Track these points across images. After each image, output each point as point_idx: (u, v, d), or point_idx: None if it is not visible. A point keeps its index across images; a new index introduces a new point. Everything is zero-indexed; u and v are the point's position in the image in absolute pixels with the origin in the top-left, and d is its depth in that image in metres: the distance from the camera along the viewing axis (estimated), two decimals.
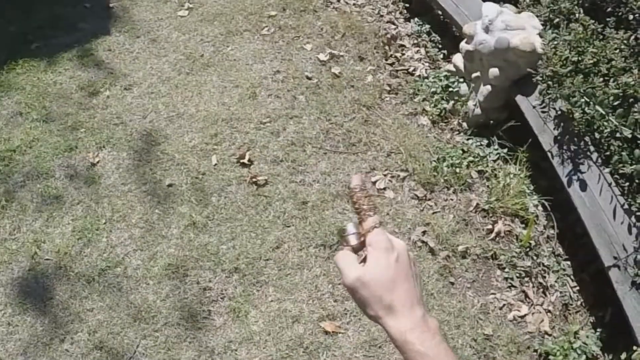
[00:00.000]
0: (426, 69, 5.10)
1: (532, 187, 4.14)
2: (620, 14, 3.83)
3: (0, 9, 5.65)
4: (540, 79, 3.83)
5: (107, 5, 5.75)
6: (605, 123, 3.40)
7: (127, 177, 4.25)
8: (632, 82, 3.35)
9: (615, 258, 3.26)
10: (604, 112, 3.39)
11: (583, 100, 3.49)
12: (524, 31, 4.03)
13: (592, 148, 3.57)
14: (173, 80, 4.96)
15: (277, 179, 4.24)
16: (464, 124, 4.60)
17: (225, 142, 4.46)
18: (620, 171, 3.34)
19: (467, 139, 4.50)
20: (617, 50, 3.56)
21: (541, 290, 3.76)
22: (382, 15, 5.68)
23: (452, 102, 4.70)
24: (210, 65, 5.08)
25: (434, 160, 4.34)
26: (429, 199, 4.16)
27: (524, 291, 3.75)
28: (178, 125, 4.59)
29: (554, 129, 3.78)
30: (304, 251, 3.86)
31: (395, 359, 3.42)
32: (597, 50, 3.60)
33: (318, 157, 4.39)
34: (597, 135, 3.52)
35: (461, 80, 4.70)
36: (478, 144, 4.44)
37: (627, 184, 3.37)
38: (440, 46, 5.28)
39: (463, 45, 4.48)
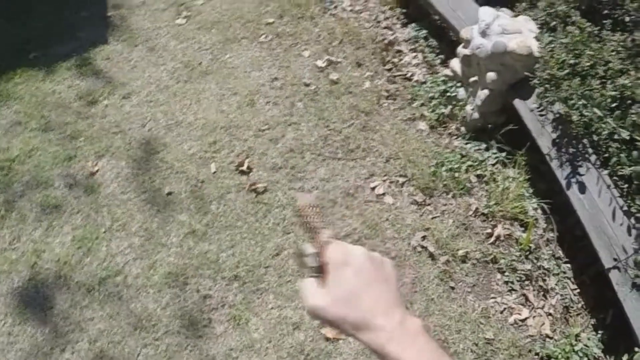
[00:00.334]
0: (424, 74, 5.10)
1: (531, 191, 4.13)
2: (616, 16, 3.83)
3: None
4: (538, 82, 3.84)
5: (104, 14, 5.76)
6: (603, 125, 3.40)
7: (127, 185, 4.25)
8: (629, 84, 3.35)
9: (615, 260, 3.25)
10: (601, 114, 3.39)
11: (580, 102, 3.49)
12: (521, 35, 4.03)
13: (590, 150, 3.57)
14: (171, 88, 4.97)
15: (276, 186, 4.25)
16: (462, 129, 4.60)
17: (224, 150, 4.46)
18: (619, 173, 3.34)
19: (466, 144, 4.50)
20: (614, 52, 3.56)
21: (542, 293, 3.75)
22: (379, 22, 5.68)
23: (450, 106, 4.70)
24: (209, 73, 5.09)
25: (433, 165, 4.34)
26: (428, 204, 4.16)
27: (524, 294, 3.74)
28: (177, 133, 4.59)
29: (552, 131, 3.78)
30: None
31: None
32: (594, 53, 3.60)
33: (317, 163, 4.39)
34: (595, 137, 3.51)
35: (459, 84, 4.71)
36: (476, 148, 4.44)
37: (626, 185, 3.36)
38: (437, 51, 5.28)
39: (460, 49, 4.49)
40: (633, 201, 3.29)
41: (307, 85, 4.96)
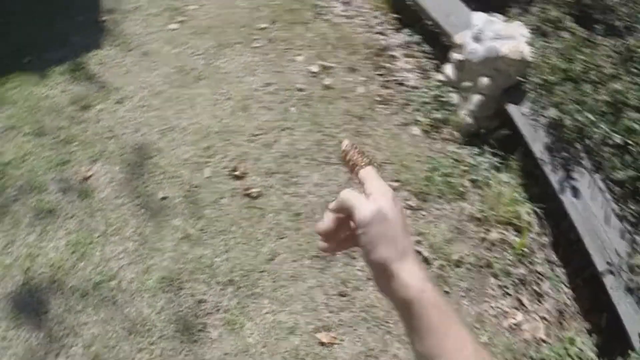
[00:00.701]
0: (417, 79, 5.11)
1: (524, 195, 4.15)
2: (608, 21, 3.86)
3: None
4: (531, 87, 3.86)
5: (98, 19, 5.75)
6: (596, 130, 3.43)
7: (120, 190, 4.24)
8: (622, 89, 3.37)
9: (608, 263, 3.27)
10: (594, 119, 3.42)
11: (573, 107, 3.52)
12: (514, 40, 4.06)
13: (583, 155, 3.59)
14: (165, 93, 4.96)
15: (270, 190, 4.25)
16: (456, 133, 4.61)
17: (218, 155, 4.46)
18: (612, 177, 3.36)
19: (459, 148, 4.51)
20: (606, 57, 3.59)
21: (536, 297, 3.76)
22: (372, 27, 5.70)
23: (443, 111, 4.71)
24: (202, 78, 5.09)
25: (427, 170, 4.35)
26: (422, 209, 4.17)
27: (518, 299, 3.75)
28: (170, 138, 4.59)
29: (545, 136, 3.80)
30: (298, 263, 3.86)
31: None
32: (586, 58, 3.62)
33: (311, 168, 4.39)
34: (588, 141, 3.54)
35: (452, 89, 4.72)
36: (470, 153, 4.45)
37: (619, 189, 3.38)
38: (430, 56, 5.29)
39: (453, 54, 4.51)
40: (626, 205, 3.30)
41: (300, 90, 4.97)
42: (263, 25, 5.62)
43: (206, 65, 5.23)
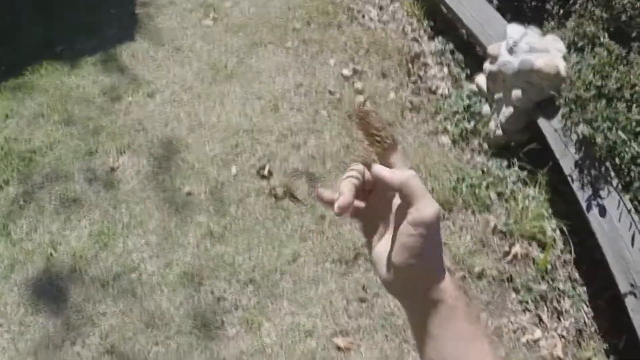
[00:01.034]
0: (449, 88, 5.08)
1: (550, 211, 4.11)
2: None
3: (25, 12, 5.69)
4: (563, 102, 3.82)
5: (132, 11, 5.77)
6: (627, 149, 3.39)
7: (146, 183, 4.26)
8: None
9: (632, 285, 3.23)
10: (626, 138, 3.38)
11: (605, 125, 3.48)
12: (548, 54, 4.02)
13: (612, 174, 3.55)
14: (196, 89, 4.98)
15: (296, 192, 4.24)
16: (485, 145, 4.58)
17: (246, 153, 4.46)
18: None
19: (488, 160, 4.48)
20: None
21: (556, 315, 3.73)
22: (406, 33, 5.67)
23: (473, 122, 4.68)
24: (234, 76, 5.09)
25: (454, 180, 4.33)
26: (447, 219, 4.15)
27: (538, 315, 3.72)
28: (199, 134, 4.60)
29: (575, 153, 3.76)
30: (319, 266, 3.86)
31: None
32: (621, 76, 3.59)
33: (338, 172, 4.38)
34: (618, 160, 3.49)
35: (483, 100, 4.69)
36: (498, 165, 4.42)
37: None
38: (463, 65, 5.26)
39: (487, 65, 4.47)
40: None
41: (331, 93, 4.96)
42: (297, 26, 5.61)
43: (238, 63, 5.23)
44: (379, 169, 0.92)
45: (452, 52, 5.38)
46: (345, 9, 5.80)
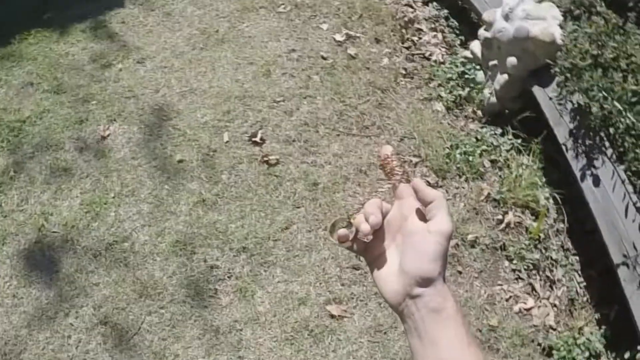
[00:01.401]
0: (443, 55, 5.05)
1: (544, 180, 4.10)
2: None
3: None
4: (559, 70, 3.79)
5: None
6: (622, 119, 3.37)
7: (138, 151, 4.23)
8: None
9: (624, 256, 3.23)
10: (621, 108, 3.36)
11: (601, 94, 3.45)
12: (544, 21, 3.98)
13: (607, 144, 3.53)
14: (187, 55, 4.93)
15: (289, 159, 4.22)
16: (479, 112, 4.56)
17: (238, 120, 4.43)
18: (634, 169, 3.30)
19: (481, 128, 4.47)
20: (638, 47, 3.52)
21: (548, 284, 3.75)
22: None
23: (467, 89, 4.66)
24: (225, 42, 5.04)
25: (447, 147, 4.31)
26: (441, 186, 4.14)
27: (531, 284, 3.74)
28: (190, 100, 4.56)
29: (570, 122, 3.75)
30: (313, 233, 3.85)
31: (400, 345, 3.42)
32: (617, 45, 3.55)
33: (331, 138, 4.36)
34: (612, 131, 3.47)
35: (478, 67, 4.66)
36: (492, 133, 4.40)
37: None
38: (457, 32, 5.23)
39: (481, 32, 4.43)
40: None
41: (324, 58, 4.91)
42: None
43: (230, 28, 5.18)
44: (418, 182, 1.04)
45: (446, 18, 5.34)
46: None
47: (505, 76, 4.20)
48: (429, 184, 4.00)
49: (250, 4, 5.39)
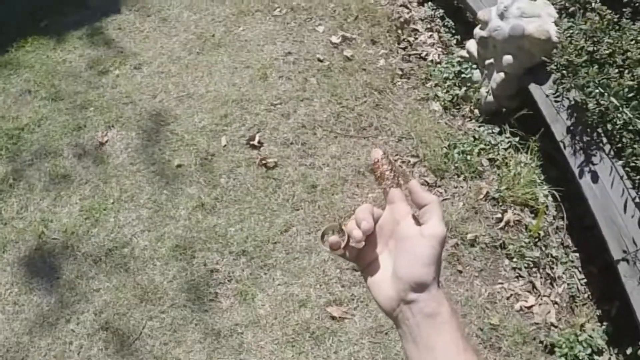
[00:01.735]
0: (439, 54, 5.05)
1: (542, 177, 4.11)
2: (637, 4, 3.78)
3: None
4: (555, 67, 3.79)
5: None
6: (619, 115, 3.37)
7: (136, 157, 4.24)
8: None
9: (624, 252, 3.23)
10: (618, 104, 3.36)
11: (597, 90, 3.46)
12: (540, 19, 3.99)
13: (604, 140, 3.53)
14: (183, 60, 4.93)
15: (287, 161, 4.23)
16: (476, 111, 4.56)
17: (235, 123, 4.44)
18: (632, 164, 3.31)
19: (479, 126, 4.47)
20: (633, 42, 3.52)
21: (549, 281, 3.74)
22: None
23: (464, 88, 4.66)
24: (221, 46, 5.05)
25: (445, 147, 4.31)
26: (439, 186, 4.14)
27: (531, 282, 3.73)
28: (188, 105, 4.57)
29: (567, 119, 3.75)
30: (312, 235, 3.85)
31: (402, 346, 3.41)
32: (613, 41, 3.56)
33: (328, 140, 4.36)
34: (610, 126, 3.48)
35: (474, 66, 4.66)
36: (490, 131, 4.40)
37: (639, 177, 3.34)
38: (453, 31, 5.23)
39: (477, 31, 4.44)
40: None
41: (320, 61, 4.92)
42: None
43: (226, 32, 5.19)
44: (414, 184, 1.03)
45: (442, 18, 5.35)
46: None
47: (502, 74, 4.20)
48: (427, 184, 4.03)
49: (245, 8, 5.40)
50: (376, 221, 1.05)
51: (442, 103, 4.66)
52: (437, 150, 4.29)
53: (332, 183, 4.11)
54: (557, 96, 3.82)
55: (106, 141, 4.33)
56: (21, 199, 4.01)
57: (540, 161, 4.10)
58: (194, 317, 3.50)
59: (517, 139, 4.25)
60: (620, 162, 3.40)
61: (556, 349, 3.41)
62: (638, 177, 3.33)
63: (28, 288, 3.60)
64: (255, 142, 4.31)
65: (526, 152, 4.14)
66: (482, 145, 4.31)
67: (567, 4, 4.03)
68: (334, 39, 5.10)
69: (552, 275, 3.75)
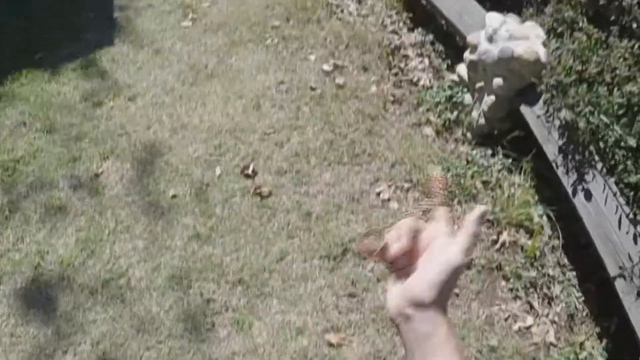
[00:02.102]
0: (430, 79, 5.08)
1: (536, 197, 4.11)
2: (624, 22, 3.82)
3: (3, 19, 5.65)
4: (545, 88, 3.83)
5: (111, 15, 5.75)
6: (610, 132, 3.40)
7: (131, 188, 4.24)
8: (637, 91, 3.34)
9: (620, 268, 3.24)
10: (608, 122, 3.39)
11: (587, 109, 3.49)
12: (528, 40, 4.02)
13: (596, 157, 3.55)
14: (177, 91, 4.96)
15: (281, 190, 4.23)
16: (468, 134, 4.58)
17: (229, 153, 4.45)
18: (625, 180, 3.33)
19: (472, 149, 4.49)
20: (622, 59, 3.56)
21: (546, 301, 3.74)
22: (385, 26, 5.66)
23: (456, 112, 4.68)
24: (214, 76, 5.08)
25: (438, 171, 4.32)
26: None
27: (529, 302, 3.73)
28: (182, 136, 4.58)
29: (559, 138, 3.77)
30: (308, 263, 3.85)
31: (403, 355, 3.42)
32: (601, 59, 3.59)
33: (322, 168, 4.38)
34: (601, 144, 3.50)
35: (465, 90, 4.69)
36: (482, 154, 4.42)
37: (632, 193, 3.36)
38: (444, 56, 5.26)
39: (467, 55, 4.47)
40: (639, 209, 3.27)
41: (313, 89, 4.95)
42: (276, 23, 5.60)
43: (219, 63, 5.22)
44: (474, 214, 1.03)
45: (432, 43, 5.38)
46: (324, 4, 5.80)
47: (493, 97, 4.23)
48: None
49: (238, 38, 5.44)
50: (416, 234, 1.03)
51: (435, 127, 4.67)
52: (431, 174, 4.29)
53: (327, 210, 4.11)
54: (548, 116, 3.84)
55: (101, 172, 4.33)
56: (17, 230, 4.00)
57: (534, 182, 4.11)
58: (191, 347, 3.48)
59: (510, 160, 4.26)
60: (613, 179, 3.42)
61: None
62: (632, 193, 3.35)
63: (25, 320, 3.59)
64: (250, 172, 4.32)
65: (519, 173, 4.15)
66: (475, 168, 4.32)
67: (555, 25, 4.07)
68: (326, 67, 5.14)
69: (549, 294, 3.74)
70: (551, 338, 3.57)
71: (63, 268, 3.81)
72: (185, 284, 3.74)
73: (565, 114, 3.70)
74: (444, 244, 0.99)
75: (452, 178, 4.25)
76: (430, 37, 5.42)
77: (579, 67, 3.65)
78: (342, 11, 5.82)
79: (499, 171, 4.28)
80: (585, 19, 3.93)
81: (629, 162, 3.30)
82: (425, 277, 0.96)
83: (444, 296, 0.96)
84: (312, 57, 5.25)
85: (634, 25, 3.79)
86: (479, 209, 1.04)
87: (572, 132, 3.67)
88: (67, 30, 5.55)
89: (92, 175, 4.32)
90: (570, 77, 3.63)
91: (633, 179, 3.26)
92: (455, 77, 4.80)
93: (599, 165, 3.53)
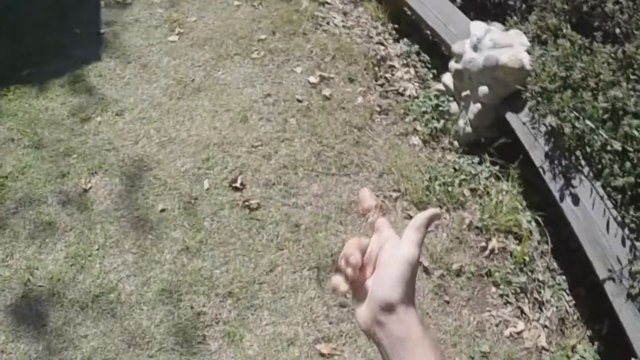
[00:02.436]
0: (416, 89, 5.11)
1: (524, 203, 4.14)
2: (607, 28, 3.86)
3: None
4: (530, 95, 3.86)
5: (97, 31, 5.74)
6: (596, 137, 3.42)
7: (120, 202, 4.23)
8: (621, 95, 3.37)
9: (609, 271, 3.26)
10: (593, 126, 3.41)
11: (572, 115, 3.51)
12: (512, 48, 4.06)
13: (583, 162, 3.58)
14: (164, 105, 4.95)
15: (270, 202, 4.24)
16: (455, 143, 4.61)
17: (217, 167, 4.45)
18: (612, 184, 3.35)
19: (459, 158, 4.51)
20: (605, 64, 3.59)
21: (537, 305, 3.75)
22: (371, 37, 5.70)
23: (442, 121, 4.71)
24: (201, 90, 5.08)
25: (426, 180, 4.34)
26: None
27: (519, 307, 3.74)
28: (170, 150, 4.58)
29: (545, 144, 3.80)
30: (297, 274, 3.85)
31: None
32: (585, 65, 3.62)
33: (310, 179, 4.38)
34: (587, 149, 3.53)
35: (451, 99, 4.72)
36: (470, 162, 4.45)
37: (619, 196, 3.38)
38: (429, 66, 5.30)
39: (452, 64, 4.51)
40: (626, 212, 3.29)
41: (299, 101, 4.96)
42: (262, 37, 5.62)
43: (205, 76, 5.23)
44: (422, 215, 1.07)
45: (417, 54, 5.42)
46: (309, 16, 5.82)
47: (479, 105, 4.26)
48: (410, 218, 4.04)
49: (224, 52, 5.45)
50: (363, 252, 1.05)
51: (422, 137, 4.70)
52: (419, 183, 4.32)
53: (316, 222, 4.12)
54: (534, 123, 3.87)
55: (90, 188, 4.32)
56: (6, 247, 3.98)
57: (522, 188, 4.14)
58: None
59: (497, 167, 4.29)
60: (600, 183, 3.44)
61: None
62: (619, 196, 3.37)
63: (15, 336, 3.56)
64: (238, 184, 4.32)
65: (507, 180, 4.18)
66: (462, 176, 4.35)
67: (539, 32, 4.11)
68: (312, 79, 5.15)
69: (540, 299, 3.76)
70: (543, 342, 3.58)
71: (53, 283, 3.79)
72: (176, 297, 3.73)
73: (550, 120, 3.73)
74: (394, 245, 1.02)
75: (438, 186, 4.27)
76: (416, 47, 5.46)
77: (564, 74, 3.67)
78: (327, 23, 5.85)
79: (487, 178, 4.31)
80: (568, 26, 3.97)
81: (615, 166, 3.32)
82: (385, 279, 0.98)
83: (409, 292, 0.98)
84: (299, 70, 5.27)
85: (617, 31, 3.83)
86: (430, 210, 1.07)
87: (558, 138, 3.70)
88: (54, 46, 5.54)
89: (81, 190, 4.30)
90: (555, 84, 3.66)
91: (619, 182, 3.27)
92: (441, 87, 4.84)
93: (586, 170, 3.55)
